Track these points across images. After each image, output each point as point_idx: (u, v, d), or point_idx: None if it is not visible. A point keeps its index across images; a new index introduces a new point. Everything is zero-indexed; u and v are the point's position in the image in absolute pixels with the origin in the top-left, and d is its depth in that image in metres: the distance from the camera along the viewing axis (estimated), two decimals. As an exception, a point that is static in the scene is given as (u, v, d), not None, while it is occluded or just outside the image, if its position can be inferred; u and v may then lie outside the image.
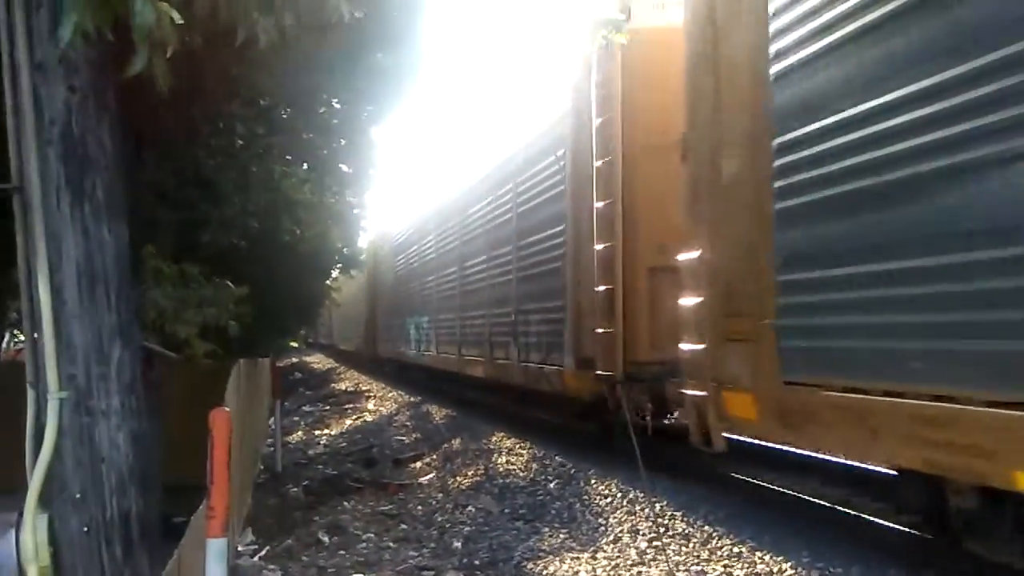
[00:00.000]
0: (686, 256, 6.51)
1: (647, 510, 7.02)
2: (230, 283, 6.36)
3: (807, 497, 7.18)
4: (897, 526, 6.06)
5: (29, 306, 3.76)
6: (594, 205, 8.60)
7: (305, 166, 10.11)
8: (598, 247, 8.48)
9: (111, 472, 3.76)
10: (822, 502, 6.98)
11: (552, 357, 9.92)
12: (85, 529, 3.70)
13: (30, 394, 3.77)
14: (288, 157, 9.56)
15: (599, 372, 8.40)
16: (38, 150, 3.70)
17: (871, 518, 6.41)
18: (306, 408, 20.05)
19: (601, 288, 8.37)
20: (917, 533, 5.89)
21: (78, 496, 3.71)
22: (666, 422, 8.66)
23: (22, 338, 13.00)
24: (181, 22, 3.13)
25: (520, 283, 11.37)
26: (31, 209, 3.72)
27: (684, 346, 6.53)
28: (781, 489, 7.56)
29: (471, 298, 14.18)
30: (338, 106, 8.54)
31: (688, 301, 6.49)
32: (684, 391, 6.58)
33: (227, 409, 4.21)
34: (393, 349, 22.98)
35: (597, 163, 8.61)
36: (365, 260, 28.23)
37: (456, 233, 15.47)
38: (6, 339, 12.11)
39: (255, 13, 3.39)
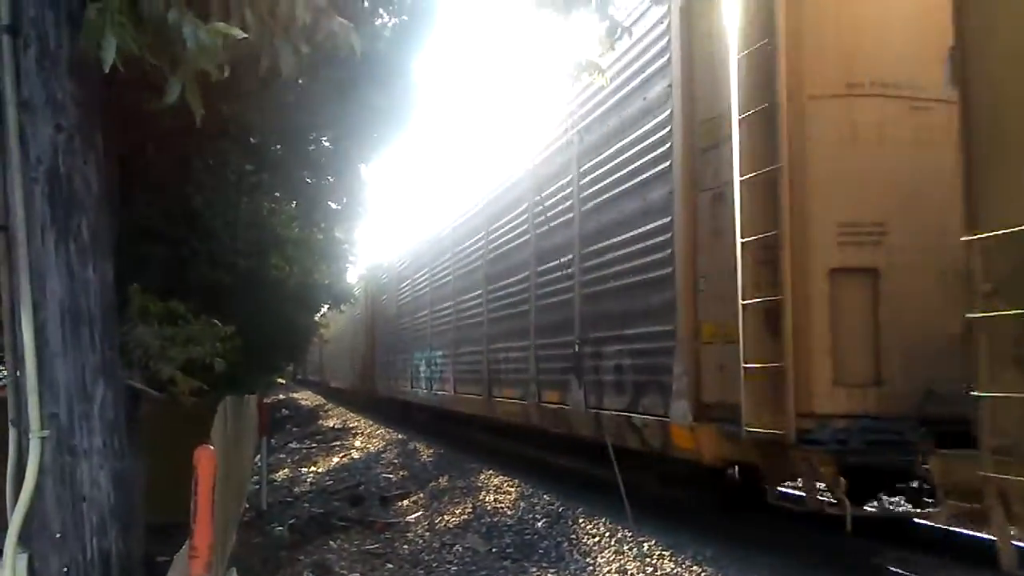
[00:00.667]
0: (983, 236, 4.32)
1: (635, 550, 6.99)
2: (217, 321, 6.32)
3: (795, 539, 7.15)
4: (891, 567, 6.05)
5: (12, 343, 3.74)
6: (735, 179, 6.10)
7: (294, 203, 10.13)
8: (746, 240, 5.99)
9: (92, 512, 3.73)
10: (812, 544, 6.96)
11: (647, 402, 7.45)
12: (65, 569, 3.66)
13: (12, 432, 3.75)
14: (277, 194, 9.59)
15: (751, 429, 5.82)
16: (23, 188, 3.70)
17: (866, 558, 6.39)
18: (293, 445, 19.92)
19: (752, 301, 5.91)
20: (907, 573, 5.89)
21: (59, 536, 3.67)
22: (873, 508, 6.51)
23: (2, 375, 12.95)
24: (245, 36, 3.19)
25: (587, 302, 8.80)
26: (15, 247, 3.72)
27: (981, 394, 4.29)
28: (769, 531, 7.52)
29: (504, 326, 11.75)
30: (328, 144, 8.57)
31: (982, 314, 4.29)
32: (986, 473, 4.29)
33: (211, 447, 4.19)
34: (395, 387, 20.63)
35: (740, 116, 6.09)
36: (359, 293, 26.98)
37: (478, 250, 13.24)
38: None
39: (277, 40, 3.43)
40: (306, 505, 11.40)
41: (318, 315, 17.73)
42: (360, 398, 27.79)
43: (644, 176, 7.59)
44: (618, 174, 8.15)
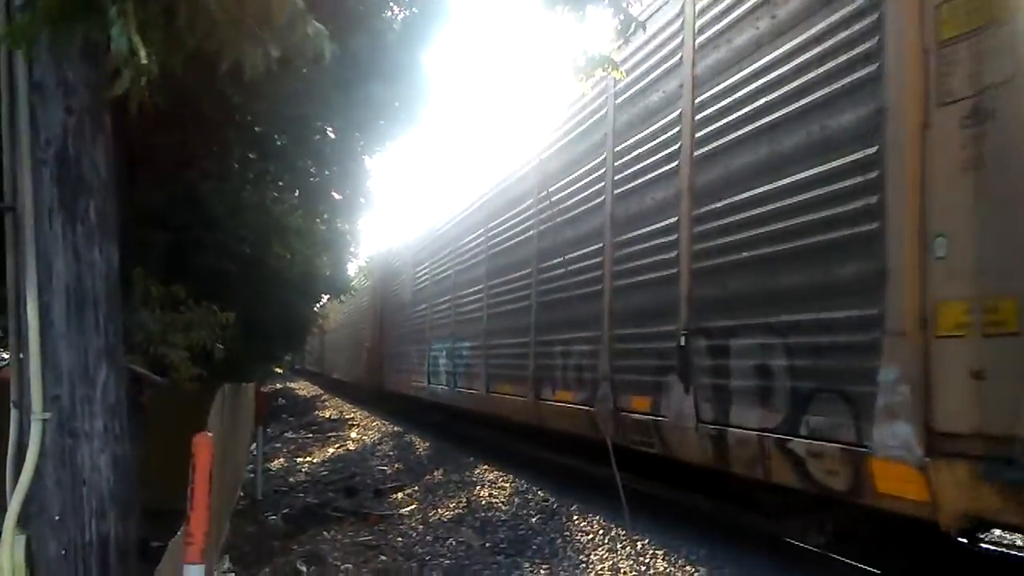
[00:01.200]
0: None
1: (628, 548, 7.00)
2: (217, 308, 6.34)
3: (788, 539, 7.16)
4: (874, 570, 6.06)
5: (16, 325, 3.75)
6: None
7: (297, 193, 10.14)
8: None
9: (92, 495, 3.74)
10: (803, 545, 6.97)
11: (818, 422, 5.25)
12: (63, 552, 3.67)
13: (13, 414, 3.75)
14: (281, 183, 9.59)
15: None
16: (32, 170, 3.71)
17: (853, 563, 6.41)
18: (289, 435, 19.91)
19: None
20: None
21: (57, 518, 3.68)
22: None
23: (4, 356, 12.95)
24: (144, 62, 3.11)
25: (704, 280, 6.59)
26: (22, 228, 3.72)
27: None
28: (762, 530, 7.54)
29: (559, 313, 9.53)
30: (332, 135, 8.57)
31: None
32: None
33: (210, 434, 4.20)
34: (407, 382, 18.18)
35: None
36: (365, 279, 26.60)
37: (525, 223, 10.96)
38: (-11, 357, 12.01)
39: (243, 44, 3.41)
40: (300, 495, 11.41)
41: (317, 305, 17.75)
42: (365, 393, 25.65)
43: (824, 92, 5.34)
44: (767, 98, 5.90)
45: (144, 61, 3.04)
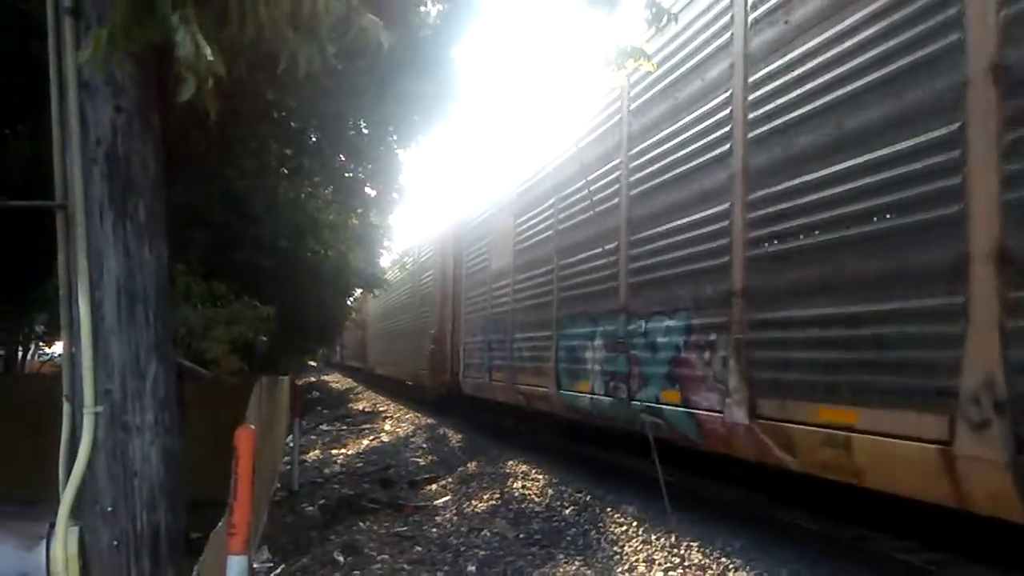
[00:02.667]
0: None
1: (663, 540, 7.01)
2: (257, 302, 6.43)
3: (822, 531, 7.15)
4: (915, 561, 6.04)
5: (68, 321, 3.84)
6: None
7: (331, 188, 10.24)
8: None
9: (143, 487, 3.83)
10: (838, 535, 6.96)
11: None
12: (115, 543, 3.76)
13: (66, 408, 3.84)
14: (315, 179, 9.69)
15: None
16: (83, 169, 3.79)
17: (889, 553, 6.39)
18: (323, 427, 20.06)
19: None
20: (933, 569, 5.89)
21: (110, 510, 3.77)
22: None
23: (46, 351, 13.21)
24: (211, 59, 3.13)
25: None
26: (74, 226, 3.81)
27: None
28: (797, 522, 7.53)
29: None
30: (366, 130, 8.64)
31: None
32: None
33: (252, 427, 4.27)
34: (511, 387, 12.46)
35: None
36: (419, 258, 22.40)
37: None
38: (31, 352, 12.25)
39: (299, 43, 3.45)
40: (336, 486, 11.50)
41: (350, 299, 17.88)
42: (426, 394, 20.65)
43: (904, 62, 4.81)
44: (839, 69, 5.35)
45: (211, 58, 3.06)
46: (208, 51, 3.09)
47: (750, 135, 6.30)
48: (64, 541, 3.74)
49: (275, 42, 3.44)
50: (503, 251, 13.43)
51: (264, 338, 5.95)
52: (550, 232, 11.10)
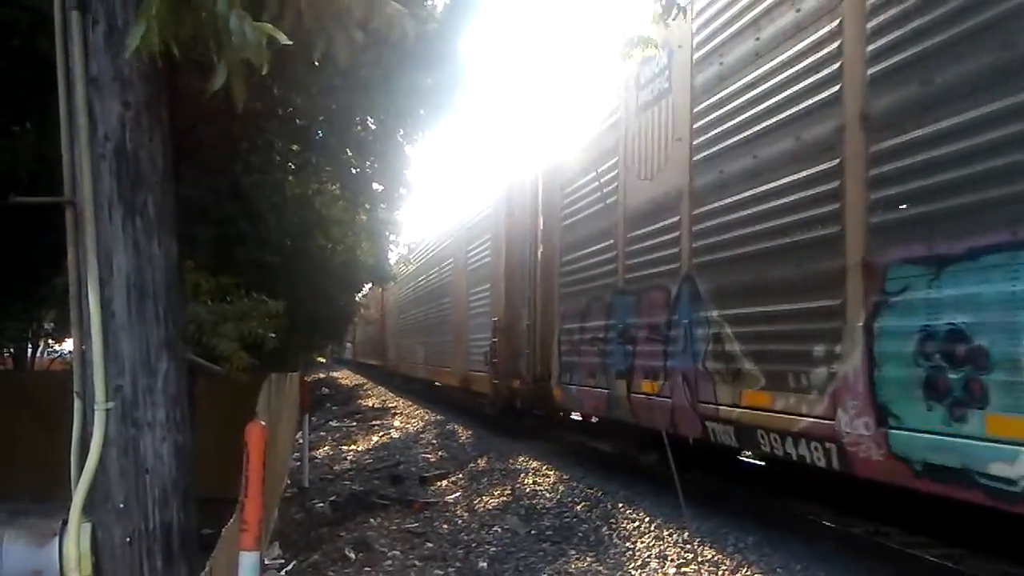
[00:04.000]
0: None
1: (675, 536, 6.99)
2: (266, 298, 6.41)
3: (835, 526, 7.12)
4: (929, 556, 6.01)
5: (78, 317, 3.82)
6: None
7: (339, 184, 10.22)
8: None
9: (155, 483, 3.81)
10: (851, 531, 6.93)
11: None
12: (128, 539, 3.75)
13: (77, 404, 3.83)
14: (322, 175, 9.67)
15: None
16: (91, 164, 3.77)
17: (902, 548, 6.36)
18: (333, 423, 20.09)
19: None
20: (951, 565, 5.85)
21: (122, 506, 3.75)
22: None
23: (55, 348, 13.22)
24: (288, 42, 3.11)
25: None
26: (83, 222, 3.79)
27: None
28: (810, 517, 7.50)
29: None
30: (373, 125, 8.61)
31: None
32: None
33: (263, 423, 4.26)
34: (683, 401, 7.57)
35: None
36: (481, 222, 15.84)
37: None
38: (40, 349, 12.27)
39: (332, 29, 3.40)
40: (346, 483, 11.52)
41: (358, 295, 17.86)
42: (485, 405, 15.37)
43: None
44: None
45: (254, 38, 3.03)
46: (282, 36, 3.07)
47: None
48: (76, 538, 3.73)
49: (313, 30, 3.40)
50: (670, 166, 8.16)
51: (273, 335, 5.93)
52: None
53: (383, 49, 5.74)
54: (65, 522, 3.75)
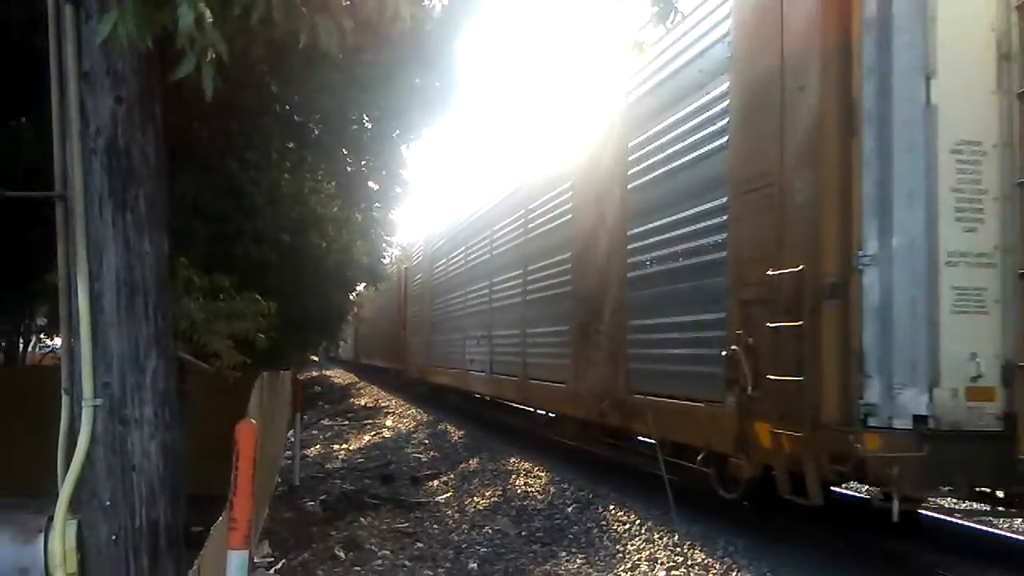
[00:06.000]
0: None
1: (666, 539, 6.98)
2: (259, 296, 6.39)
3: (825, 532, 7.12)
4: (920, 563, 6.01)
5: (67, 313, 3.80)
6: None
7: (334, 183, 10.21)
8: None
9: (142, 481, 3.79)
10: (841, 537, 6.93)
11: None
12: (114, 537, 3.73)
13: (64, 401, 3.81)
14: (318, 173, 9.66)
15: None
16: (83, 159, 3.75)
17: (892, 554, 6.36)
18: (325, 422, 20.05)
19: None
20: (941, 572, 5.85)
21: (108, 504, 3.74)
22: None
23: (47, 343, 13.18)
24: (211, 20, 3.01)
25: None
26: (73, 217, 3.77)
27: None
28: (799, 523, 7.49)
29: None
30: (369, 124, 8.61)
31: None
32: None
33: (253, 421, 4.23)
34: None
35: None
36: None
37: None
38: (31, 344, 12.24)
39: (315, 16, 3.35)
40: (337, 482, 11.49)
41: (353, 294, 17.82)
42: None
43: None
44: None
45: (210, 28, 2.97)
46: (210, 22, 3.00)
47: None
48: (62, 534, 3.71)
49: (288, 19, 3.32)
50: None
51: (263, 335, 5.91)
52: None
53: (381, 46, 5.73)
54: (51, 519, 3.74)
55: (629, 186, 8.61)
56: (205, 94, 3.24)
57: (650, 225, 8.06)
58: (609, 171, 9.28)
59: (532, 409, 13.16)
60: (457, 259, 17.31)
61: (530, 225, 12.23)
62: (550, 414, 12.29)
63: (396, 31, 5.80)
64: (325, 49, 3.41)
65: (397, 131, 8.75)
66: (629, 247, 8.54)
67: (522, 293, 12.35)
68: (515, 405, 14.31)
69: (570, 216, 10.58)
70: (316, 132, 8.36)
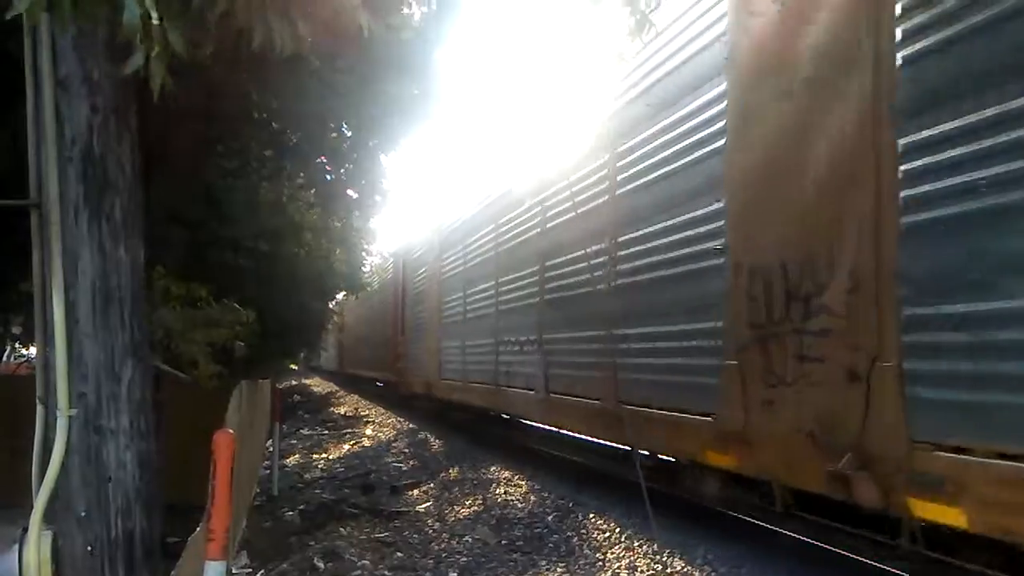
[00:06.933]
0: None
1: (645, 547, 6.98)
2: (237, 305, 6.36)
3: (803, 538, 7.13)
4: (892, 569, 6.03)
5: (42, 322, 3.76)
6: None
7: (313, 191, 10.18)
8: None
9: (117, 492, 3.76)
10: (818, 543, 6.94)
11: None
12: (89, 548, 3.69)
13: (39, 410, 3.77)
14: (297, 181, 9.63)
15: None
16: (58, 168, 3.72)
17: (867, 561, 6.37)
18: (304, 431, 19.91)
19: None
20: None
21: (83, 514, 3.70)
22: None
23: (23, 352, 13.04)
24: (156, 20, 2.93)
25: None
26: (48, 225, 3.74)
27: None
28: (777, 530, 7.51)
29: None
30: (347, 132, 8.59)
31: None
32: None
33: (231, 431, 4.20)
34: None
35: None
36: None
37: None
38: (7, 353, 12.10)
39: (271, 18, 3.30)
40: (317, 491, 11.41)
41: (332, 303, 17.76)
42: None
43: None
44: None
45: (156, 23, 2.88)
46: (155, 15, 2.93)
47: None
48: (37, 545, 3.67)
49: (246, 18, 3.27)
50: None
51: (242, 344, 5.88)
52: None
53: (357, 53, 5.72)
54: (25, 530, 3.69)
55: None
56: (170, 95, 3.20)
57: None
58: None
59: (628, 448, 8.23)
60: (482, 242, 12.99)
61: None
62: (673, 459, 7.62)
63: (368, 39, 5.82)
64: (277, 49, 3.34)
65: (375, 140, 8.74)
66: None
67: (608, 276, 7.99)
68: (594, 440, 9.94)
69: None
70: (294, 140, 8.33)
